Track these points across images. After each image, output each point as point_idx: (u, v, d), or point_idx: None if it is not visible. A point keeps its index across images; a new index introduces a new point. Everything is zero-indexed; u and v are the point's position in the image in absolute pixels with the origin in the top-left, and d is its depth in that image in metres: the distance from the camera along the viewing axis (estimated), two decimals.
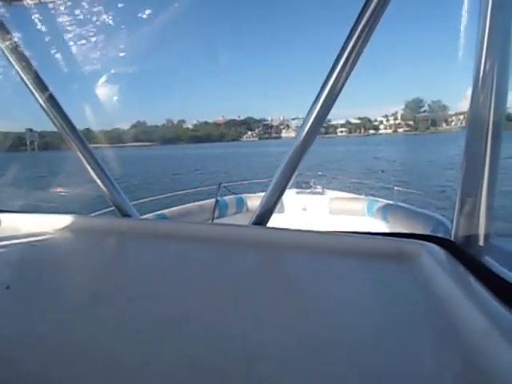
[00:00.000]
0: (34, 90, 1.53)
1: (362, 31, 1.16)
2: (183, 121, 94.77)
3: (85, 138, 1.60)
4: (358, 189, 7.08)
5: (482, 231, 0.98)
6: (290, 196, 6.12)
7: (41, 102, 1.54)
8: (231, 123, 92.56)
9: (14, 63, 1.50)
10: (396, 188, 5.86)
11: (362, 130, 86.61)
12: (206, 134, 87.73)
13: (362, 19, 1.15)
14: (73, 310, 0.74)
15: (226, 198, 5.65)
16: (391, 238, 1.09)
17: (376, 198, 5.71)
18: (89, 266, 1.03)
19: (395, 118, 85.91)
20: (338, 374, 0.53)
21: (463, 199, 1.01)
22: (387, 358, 0.56)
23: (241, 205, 5.70)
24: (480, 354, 0.53)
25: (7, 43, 1.49)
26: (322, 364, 0.55)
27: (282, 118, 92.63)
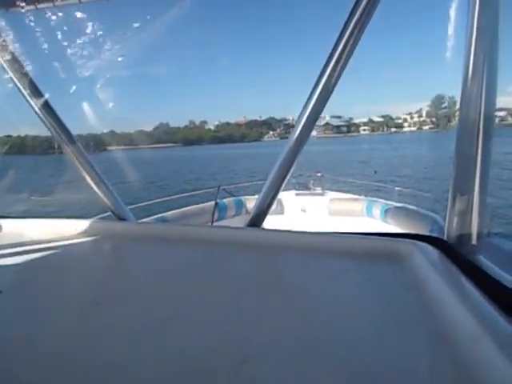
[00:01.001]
0: (27, 97, 1.53)
1: (352, 31, 1.15)
2: (205, 122, 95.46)
3: (82, 143, 1.61)
4: (365, 190, 7.09)
5: (474, 230, 0.98)
6: (289, 197, 6.13)
7: (35, 107, 1.53)
8: (252, 123, 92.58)
9: (8, 69, 1.51)
10: (397, 188, 6.02)
11: (385, 128, 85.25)
12: (227, 135, 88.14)
13: (353, 19, 1.14)
14: (70, 313, 0.76)
15: (225, 200, 5.71)
16: (385, 238, 1.09)
17: (375, 199, 5.75)
18: (87, 269, 1.04)
19: (419, 116, 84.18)
20: (329, 373, 0.53)
21: (455, 198, 1.00)
22: (377, 359, 0.56)
23: (240, 207, 5.74)
24: (470, 356, 0.53)
25: (3, 51, 1.51)
26: (312, 364, 0.55)
27: None
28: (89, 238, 1.29)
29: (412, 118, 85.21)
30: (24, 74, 1.52)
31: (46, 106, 1.54)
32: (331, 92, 1.23)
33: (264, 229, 1.33)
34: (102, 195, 1.58)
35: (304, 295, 0.82)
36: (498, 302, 0.64)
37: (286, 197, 6.04)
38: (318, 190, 6.41)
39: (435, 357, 0.56)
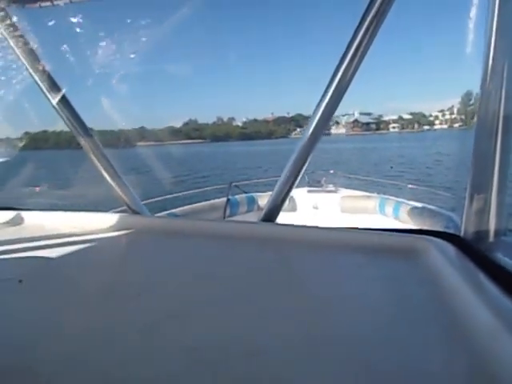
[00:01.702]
0: (46, 91, 1.56)
1: (367, 27, 1.14)
2: (233, 118, 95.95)
3: (98, 139, 1.64)
4: (378, 187, 6.93)
5: (492, 227, 0.96)
6: (301, 194, 6.08)
7: (52, 102, 1.56)
8: (280, 120, 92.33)
9: (27, 65, 1.55)
10: (409, 186, 5.87)
11: (416, 126, 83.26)
12: (254, 132, 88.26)
13: (368, 15, 1.13)
14: (84, 305, 0.77)
15: (237, 196, 5.68)
16: (400, 233, 1.09)
17: (388, 196, 5.66)
18: (103, 262, 1.06)
19: (451, 113, 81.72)
20: (341, 371, 0.52)
21: (473, 195, 0.99)
22: (393, 356, 0.55)
23: (252, 203, 5.70)
24: (488, 352, 0.52)
25: (20, 45, 1.53)
26: (323, 361, 0.54)
27: None
28: (106, 231, 1.32)
29: (444, 115, 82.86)
30: (42, 69, 1.55)
31: (63, 100, 1.57)
32: (346, 89, 1.23)
33: (278, 223, 1.33)
34: (117, 189, 1.61)
35: (317, 291, 0.81)
36: None
37: (298, 194, 6.00)
38: (331, 187, 6.36)
39: (453, 354, 0.55)
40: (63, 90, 1.57)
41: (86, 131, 1.61)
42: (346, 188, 6.49)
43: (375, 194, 5.92)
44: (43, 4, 1.54)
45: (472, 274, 0.77)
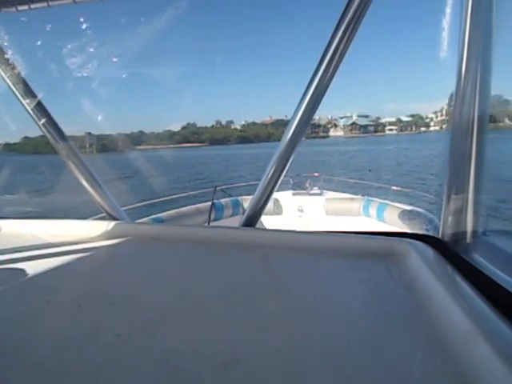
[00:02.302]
0: (20, 97, 1.52)
1: (345, 30, 1.15)
2: (231, 122, 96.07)
3: (74, 145, 1.59)
4: (363, 189, 7.08)
5: (469, 228, 0.97)
6: (286, 198, 6.18)
7: (28, 108, 1.52)
8: (278, 123, 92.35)
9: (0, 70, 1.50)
10: (393, 188, 5.99)
11: (414, 128, 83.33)
12: (253, 135, 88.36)
13: (346, 17, 1.14)
14: (57, 315, 0.76)
15: (222, 200, 5.76)
16: (380, 236, 1.09)
17: (372, 198, 5.75)
18: (77, 269, 1.04)
19: (441, 114, 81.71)
20: (318, 376, 0.52)
21: (450, 196, 1.00)
22: (370, 361, 0.55)
23: (237, 207, 5.77)
24: (463, 357, 0.52)
25: None
26: (302, 366, 0.54)
27: (329, 117, 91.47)
28: (84, 239, 1.28)
29: (437, 116, 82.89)
30: (16, 74, 1.52)
31: (38, 106, 1.53)
32: (324, 92, 1.24)
33: (258, 228, 1.32)
34: (96, 196, 1.58)
35: (298, 295, 0.81)
36: (492, 300, 0.63)
37: (283, 197, 6.10)
38: (315, 189, 6.47)
39: (429, 357, 0.55)
40: (39, 96, 1.54)
41: (63, 137, 1.57)
42: (331, 190, 6.61)
43: (359, 196, 6.03)
44: (20, 8, 1.50)
45: (450, 277, 0.78)
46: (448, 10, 1.12)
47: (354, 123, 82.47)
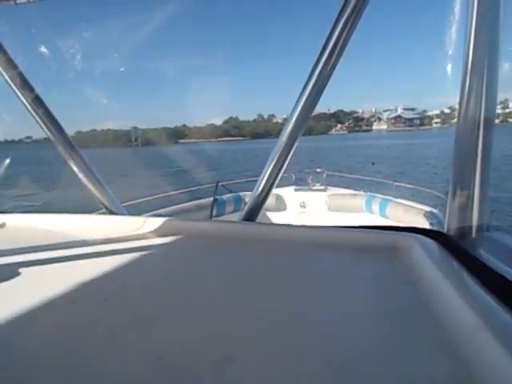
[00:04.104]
0: (19, 93, 1.50)
1: (344, 26, 1.15)
2: (273, 115, 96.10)
3: (74, 142, 1.58)
4: (366, 185, 6.77)
5: (474, 224, 0.97)
6: (288, 194, 6.10)
7: (26, 104, 1.51)
8: (321, 116, 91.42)
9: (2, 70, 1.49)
10: (395, 184, 5.83)
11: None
12: None
13: (346, 11, 1.14)
14: (50, 309, 0.73)
15: (223, 196, 5.65)
16: (384, 231, 1.08)
17: (374, 194, 5.66)
18: (72, 264, 1.01)
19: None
20: (320, 374, 0.51)
21: (455, 192, 1.00)
22: (374, 357, 0.54)
23: (239, 203, 5.67)
24: (469, 350, 0.52)
25: None
26: (303, 364, 0.53)
27: (373, 110, 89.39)
28: (82, 233, 1.27)
29: None
30: (15, 68, 1.49)
31: (37, 102, 1.52)
32: (324, 87, 1.24)
33: (259, 223, 1.31)
34: (95, 190, 1.56)
35: (300, 290, 0.80)
36: (500, 295, 0.62)
37: (285, 193, 6.02)
38: (318, 185, 6.34)
39: (435, 353, 0.54)
40: (36, 91, 1.52)
41: (62, 133, 1.55)
42: (334, 186, 6.44)
43: (362, 192, 5.90)
44: (19, 1, 1.47)
45: (455, 272, 0.78)
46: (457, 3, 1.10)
47: (398, 116, 79.95)
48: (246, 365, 0.53)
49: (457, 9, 1.09)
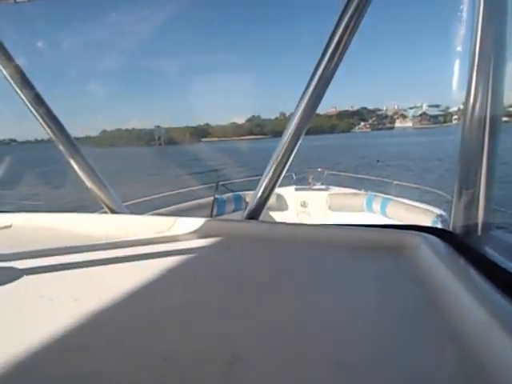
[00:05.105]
0: (19, 91, 1.49)
1: (346, 25, 1.14)
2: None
3: (75, 142, 1.57)
4: (366, 184, 6.82)
5: (480, 222, 0.96)
6: (289, 193, 6.09)
7: (25, 100, 1.49)
8: (343, 114, 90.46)
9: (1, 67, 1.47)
10: (395, 182, 5.88)
11: None
12: (315, 126, 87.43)
13: (349, 8, 1.13)
14: (49, 311, 0.72)
15: (224, 195, 5.69)
16: (389, 230, 1.08)
17: (375, 193, 5.72)
18: (69, 264, 0.98)
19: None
20: (326, 374, 0.50)
21: (461, 190, 0.99)
22: (382, 355, 0.54)
23: (239, 202, 5.71)
24: (479, 348, 0.51)
25: None
26: (309, 364, 0.52)
27: (396, 107, 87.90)
28: (84, 232, 1.28)
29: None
30: (15, 66, 1.48)
31: (37, 99, 1.50)
32: (327, 85, 1.23)
33: (262, 221, 1.31)
34: (95, 189, 1.55)
35: (304, 289, 0.79)
36: (506, 291, 0.62)
37: (286, 193, 6.02)
38: (318, 185, 6.39)
39: (443, 348, 0.54)
40: (36, 90, 1.51)
41: (63, 131, 1.55)
42: (335, 185, 6.47)
43: (363, 191, 5.94)
44: (19, 0, 1.47)
45: (463, 270, 0.77)
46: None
47: (423, 113, 78.36)
48: (253, 365, 0.52)
49: (464, 6, 1.08)
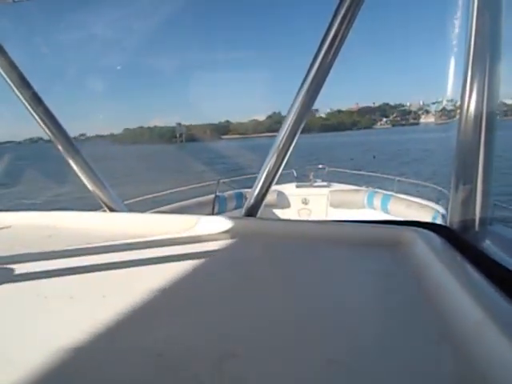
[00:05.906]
0: (17, 91, 1.49)
1: (342, 20, 1.15)
2: (317, 110, 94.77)
3: (74, 141, 1.58)
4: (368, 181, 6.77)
5: (477, 218, 0.96)
6: (290, 190, 6.14)
7: (22, 99, 1.49)
8: (365, 110, 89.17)
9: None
10: (397, 179, 5.89)
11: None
12: (337, 123, 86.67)
13: (343, 7, 1.14)
14: (49, 308, 0.73)
15: (225, 193, 5.72)
16: (386, 225, 1.07)
17: (376, 190, 5.77)
18: (67, 261, 0.99)
19: None
20: (322, 372, 0.50)
21: (458, 186, 0.99)
22: (378, 351, 0.54)
23: (240, 199, 5.71)
24: (474, 345, 0.51)
25: None
26: (305, 361, 0.52)
27: (421, 103, 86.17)
28: (83, 230, 1.29)
29: None
30: (12, 67, 1.49)
31: (35, 98, 1.51)
32: (323, 81, 1.23)
33: (261, 218, 1.31)
34: (94, 187, 1.55)
35: (302, 286, 0.79)
36: (503, 287, 0.62)
37: (287, 190, 6.07)
38: (319, 181, 6.43)
39: (439, 345, 0.54)
40: (34, 89, 1.52)
41: (62, 130, 1.55)
42: (336, 182, 6.50)
43: (364, 188, 6.00)
44: None
45: (460, 265, 0.77)
46: None
47: (443, 109, 76.38)
48: (248, 362, 0.52)
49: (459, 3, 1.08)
